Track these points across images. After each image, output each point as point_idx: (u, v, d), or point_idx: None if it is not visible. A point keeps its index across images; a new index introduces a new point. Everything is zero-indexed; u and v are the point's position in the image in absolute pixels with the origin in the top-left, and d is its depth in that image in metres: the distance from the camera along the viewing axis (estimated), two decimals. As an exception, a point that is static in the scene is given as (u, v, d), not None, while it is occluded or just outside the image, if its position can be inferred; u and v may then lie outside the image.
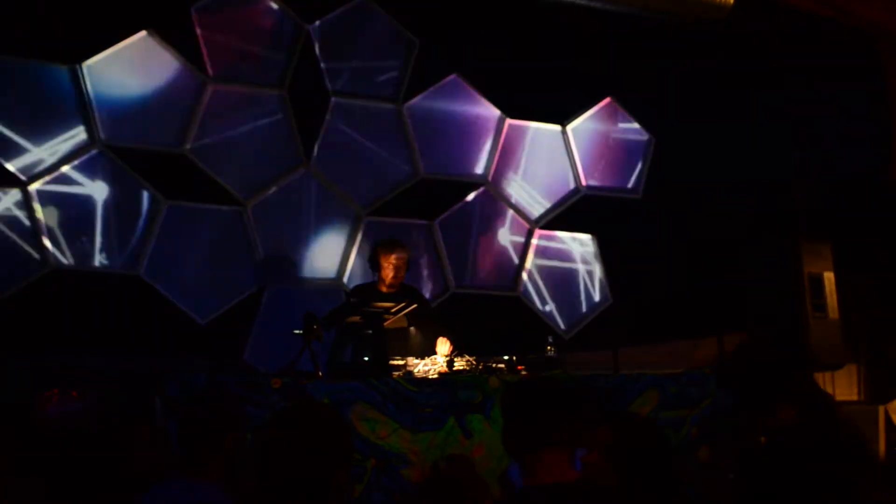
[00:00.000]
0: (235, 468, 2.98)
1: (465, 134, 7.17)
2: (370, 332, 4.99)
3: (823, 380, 6.85)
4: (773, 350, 2.90)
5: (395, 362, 4.77)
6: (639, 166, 7.71)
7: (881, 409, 7.07)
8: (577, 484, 2.46)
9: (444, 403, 4.53)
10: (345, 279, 6.59)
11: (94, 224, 5.96)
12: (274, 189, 6.48)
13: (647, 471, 2.86)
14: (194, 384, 4.21)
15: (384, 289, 5.38)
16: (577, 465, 2.57)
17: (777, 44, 7.68)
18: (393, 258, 5.34)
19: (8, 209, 5.76)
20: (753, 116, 7.62)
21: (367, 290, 5.45)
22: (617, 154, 7.69)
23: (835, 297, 6.48)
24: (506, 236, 7.21)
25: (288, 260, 6.48)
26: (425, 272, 6.88)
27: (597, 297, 7.38)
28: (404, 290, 5.43)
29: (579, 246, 7.47)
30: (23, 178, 5.80)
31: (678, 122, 7.53)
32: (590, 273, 7.42)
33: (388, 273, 5.34)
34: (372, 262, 5.44)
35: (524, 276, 7.20)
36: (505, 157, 7.26)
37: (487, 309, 6.91)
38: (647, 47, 7.37)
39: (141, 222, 6.09)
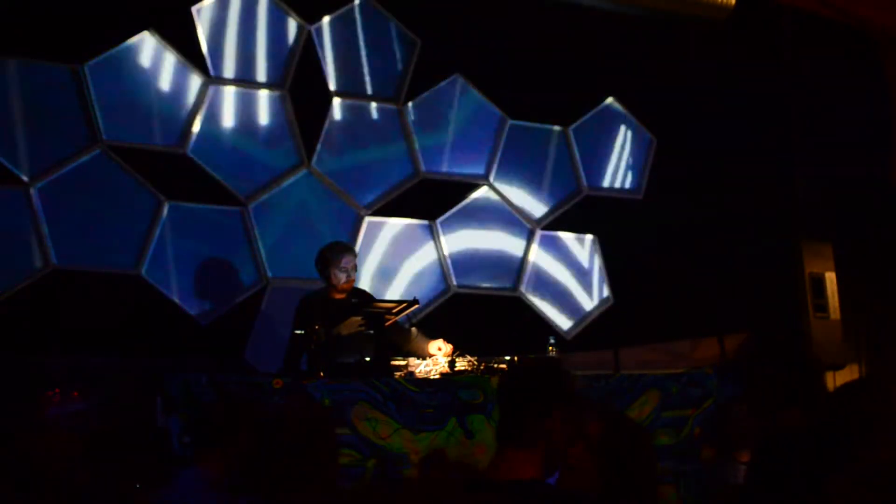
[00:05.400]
0: (247, 466, 3.05)
1: (466, 134, 7.16)
2: (371, 332, 4.96)
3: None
4: (784, 351, 2.86)
5: (397, 362, 4.77)
6: (640, 166, 7.70)
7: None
8: (535, 483, 2.41)
9: (446, 404, 4.53)
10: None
11: (95, 224, 5.95)
12: (274, 189, 6.48)
13: (628, 473, 2.84)
14: (195, 384, 4.20)
15: (336, 295, 5.28)
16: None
17: (778, 44, 7.68)
18: (343, 263, 5.23)
19: (9, 209, 5.75)
20: (754, 116, 7.61)
21: (319, 299, 5.33)
22: (618, 154, 7.68)
23: (836, 297, 6.47)
24: (507, 236, 7.21)
25: (288, 260, 6.48)
26: (426, 272, 6.87)
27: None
28: (355, 293, 5.36)
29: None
30: (24, 177, 5.80)
31: (678, 122, 7.53)
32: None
33: (340, 278, 5.23)
34: (321, 269, 5.30)
35: (525, 276, 7.20)
36: (506, 157, 7.25)
37: (488, 309, 6.91)
38: (648, 47, 7.37)
39: (141, 222, 6.08)
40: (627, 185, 7.68)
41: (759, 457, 2.70)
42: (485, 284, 7.08)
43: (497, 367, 4.79)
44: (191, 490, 3.03)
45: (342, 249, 5.31)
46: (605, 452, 2.86)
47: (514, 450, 2.45)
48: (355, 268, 5.31)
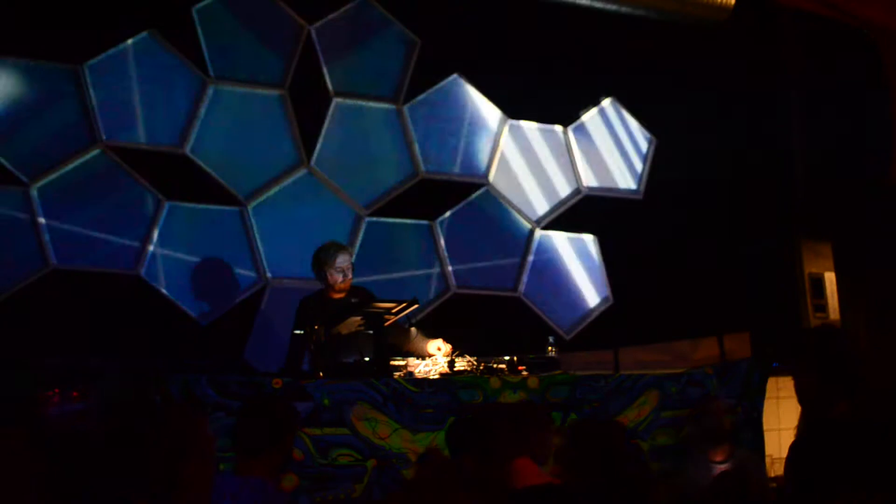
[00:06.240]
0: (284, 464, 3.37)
1: (466, 134, 7.16)
2: (371, 332, 4.96)
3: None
4: (837, 344, 2.82)
5: (397, 362, 4.77)
6: (640, 166, 7.71)
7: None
8: (550, 486, 2.61)
9: (445, 404, 4.53)
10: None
11: (95, 224, 5.96)
12: (274, 189, 6.49)
13: (594, 472, 2.86)
14: (195, 384, 4.20)
15: (334, 295, 5.28)
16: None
17: (778, 44, 7.68)
18: (337, 263, 5.22)
19: (9, 209, 5.76)
20: (754, 116, 7.61)
21: (319, 299, 5.32)
22: (618, 154, 7.68)
23: (836, 297, 6.47)
24: (506, 236, 7.21)
25: (288, 260, 6.48)
26: (426, 272, 6.87)
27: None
28: (355, 291, 5.36)
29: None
30: (24, 178, 5.80)
31: (678, 122, 7.53)
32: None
33: (336, 279, 5.23)
34: (316, 271, 5.29)
35: (525, 276, 7.20)
36: (506, 157, 7.26)
37: (488, 309, 6.91)
38: (648, 47, 7.37)
39: (141, 222, 6.08)
40: (627, 185, 7.67)
41: (805, 446, 2.69)
42: (484, 284, 7.08)
43: (497, 367, 4.79)
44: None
45: (336, 250, 5.29)
46: (571, 459, 2.90)
47: (530, 461, 3.13)
48: (351, 267, 5.30)
